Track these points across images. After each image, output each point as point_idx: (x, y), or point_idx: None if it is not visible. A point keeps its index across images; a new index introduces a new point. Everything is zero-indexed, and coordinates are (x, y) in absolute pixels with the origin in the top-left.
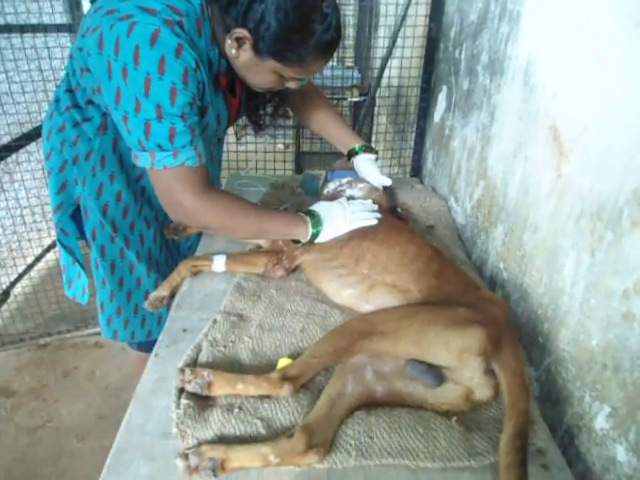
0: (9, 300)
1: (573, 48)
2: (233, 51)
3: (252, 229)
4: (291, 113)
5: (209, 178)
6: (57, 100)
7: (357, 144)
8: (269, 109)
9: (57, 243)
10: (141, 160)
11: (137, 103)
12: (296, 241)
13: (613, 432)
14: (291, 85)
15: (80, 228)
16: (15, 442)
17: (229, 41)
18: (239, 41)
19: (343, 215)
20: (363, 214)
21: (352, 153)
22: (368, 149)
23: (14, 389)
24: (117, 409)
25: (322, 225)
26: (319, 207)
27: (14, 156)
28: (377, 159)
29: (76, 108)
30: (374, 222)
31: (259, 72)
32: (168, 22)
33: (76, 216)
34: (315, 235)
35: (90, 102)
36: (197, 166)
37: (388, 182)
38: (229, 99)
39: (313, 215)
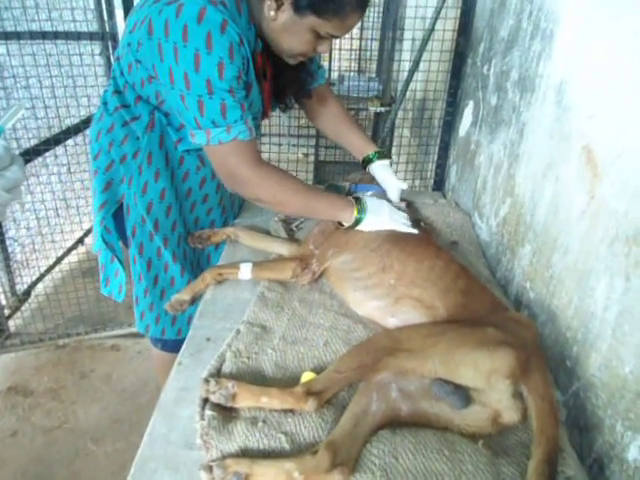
0: (30, 300)
1: (611, 70)
2: (272, 13)
3: (301, 205)
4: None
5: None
6: (105, 103)
7: (371, 151)
8: (294, 88)
9: (99, 240)
10: (197, 138)
11: (186, 80)
12: (340, 224)
13: None
14: (322, 48)
15: (120, 228)
16: (31, 442)
17: (268, 2)
18: (278, 1)
19: (389, 212)
20: (407, 220)
21: (367, 160)
22: (382, 155)
23: (32, 389)
24: (132, 413)
25: (366, 213)
26: (368, 199)
27: (41, 159)
28: (391, 164)
29: (125, 108)
30: (415, 231)
31: (297, 32)
32: (212, 1)
33: (117, 216)
34: (358, 221)
35: (139, 98)
36: (249, 139)
37: (404, 186)
38: (261, 82)
39: (359, 202)
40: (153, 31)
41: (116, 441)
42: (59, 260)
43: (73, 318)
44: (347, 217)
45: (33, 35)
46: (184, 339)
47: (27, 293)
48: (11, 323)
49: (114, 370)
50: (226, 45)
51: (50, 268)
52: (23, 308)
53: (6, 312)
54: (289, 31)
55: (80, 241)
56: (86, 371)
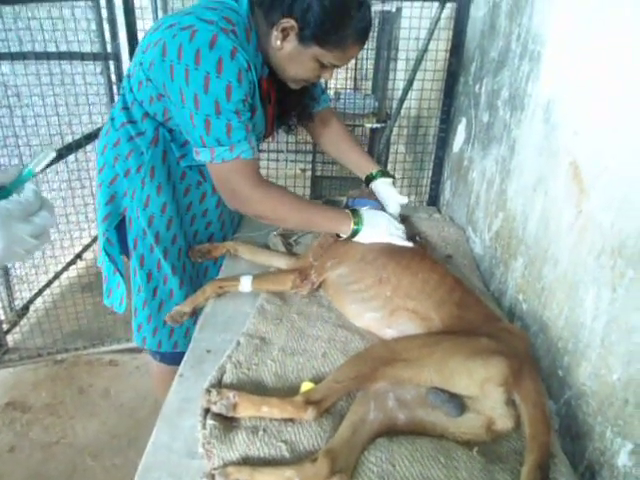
0: (28, 315)
1: (595, 90)
2: (278, 42)
3: (301, 220)
4: (311, 138)
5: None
6: (112, 118)
7: (374, 170)
8: (296, 111)
9: (102, 252)
10: (202, 155)
11: (196, 100)
12: (338, 236)
13: (636, 470)
14: (325, 76)
15: (123, 241)
16: (29, 458)
17: (275, 32)
18: (284, 32)
19: (387, 225)
20: (404, 234)
21: (370, 178)
22: (385, 174)
23: (30, 404)
24: (131, 428)
25: (363, 225)
26: (365, 211)
27: (42, 174)
28: (394, 183)
29: (131, 123)
30: (411, 244)
31: (301, 61)
32: (224, 30)
33: (120, 229)
34: (356, 232)
35: (146, 115)
36: (251, 158)
37: (405, 200)
38: (266, 106)
39: (357, 215)
40: (167, 53)
41: (114, 456)
42: (58, 275)
43: (71, 333)
44: (345, 229)
45: (38, 55)
46: (180, 352)
47: (26, 308)
48: (9, 338)
49: (112, 385)
50: (235, 70)
51: (49, 283)
52: (22, 323)
53: (4, 327)
54: (294, 60)
55: (79, 256)
56: (84, 386)
